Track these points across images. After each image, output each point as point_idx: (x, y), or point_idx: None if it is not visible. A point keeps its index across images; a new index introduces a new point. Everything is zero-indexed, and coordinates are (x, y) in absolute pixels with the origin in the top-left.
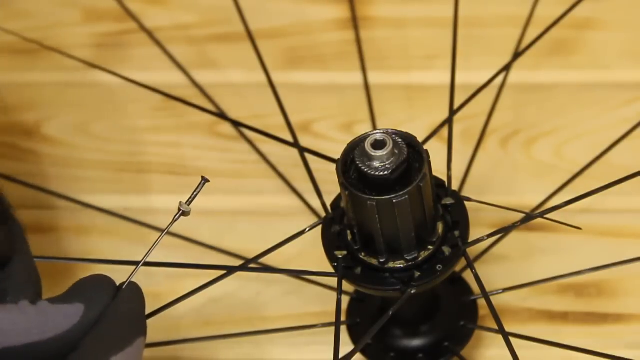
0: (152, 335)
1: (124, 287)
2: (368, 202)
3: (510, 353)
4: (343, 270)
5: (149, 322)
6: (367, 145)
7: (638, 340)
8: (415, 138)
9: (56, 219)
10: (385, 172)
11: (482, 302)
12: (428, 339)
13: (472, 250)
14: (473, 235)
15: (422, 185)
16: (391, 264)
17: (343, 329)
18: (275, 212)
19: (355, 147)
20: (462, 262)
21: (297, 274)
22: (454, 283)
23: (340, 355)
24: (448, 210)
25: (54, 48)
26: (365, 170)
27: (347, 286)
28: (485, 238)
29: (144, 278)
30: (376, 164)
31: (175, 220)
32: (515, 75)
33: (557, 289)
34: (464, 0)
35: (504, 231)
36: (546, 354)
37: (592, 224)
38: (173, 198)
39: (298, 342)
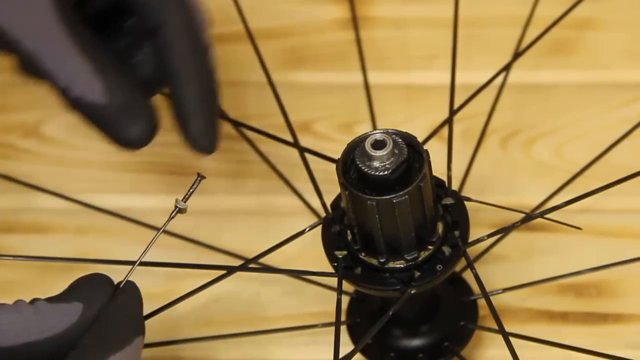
0: (152, 335)
1: (121, 286)
2: (368, 202)
3: (510, 353)
4: (343, 270)
5: (149, 322)
6: (367, 145)
7: (638, 340)
8: (415, 138)
9: (55, 218)
10: (385, 172)
11: (482, 302)
12: (428, 339)
13: (472, 250)
14: (473, 235)
15: (422, 185)
16: (391, 264)
17: (343, 329)
18: (275, 212)
19: (355, 147)
20: (462, 262)
21: (297, 274)
22: (454, 283)
23: (340, 355)
24: (448, 210)
25: None
26: (365, 170)
27: (347, 286)
28: (485, 238)
29: (143, 278)
30: (376, 164)
31: (172, 218)
32: (515, 75)
33: (557, 289)
34: (464, 0)
35: (504, 231)
36: (546, 354)
37: (592, 224)
38: (172, 198)
39: (298, 342)
